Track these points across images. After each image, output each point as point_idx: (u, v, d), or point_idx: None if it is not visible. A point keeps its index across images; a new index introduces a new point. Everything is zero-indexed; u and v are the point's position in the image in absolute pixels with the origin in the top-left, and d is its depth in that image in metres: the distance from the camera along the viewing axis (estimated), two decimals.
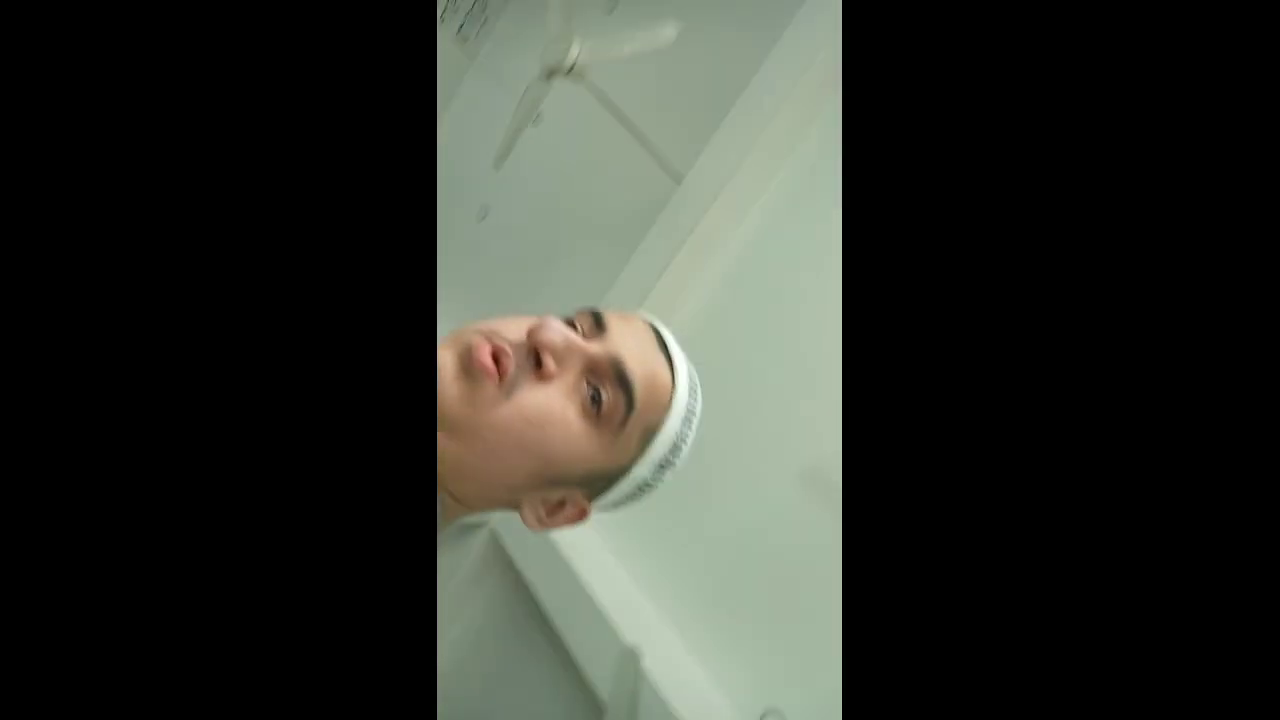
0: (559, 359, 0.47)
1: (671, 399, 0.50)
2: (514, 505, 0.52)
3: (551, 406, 0.47)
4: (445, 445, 0.45)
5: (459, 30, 2.36)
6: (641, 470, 0.52)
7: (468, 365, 0.45)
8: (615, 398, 0.48)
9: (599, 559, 1.46)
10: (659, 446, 0.51)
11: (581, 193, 1.87)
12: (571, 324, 0.50)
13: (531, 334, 0.47)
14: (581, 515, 0.54)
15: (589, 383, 0.48)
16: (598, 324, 0.50)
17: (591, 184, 1.84)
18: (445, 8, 2.35)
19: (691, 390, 0.52)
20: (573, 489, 0.52)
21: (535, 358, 0.47)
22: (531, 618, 1.44)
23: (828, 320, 1.45)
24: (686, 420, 0.52)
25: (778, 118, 1.63)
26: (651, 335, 0.52)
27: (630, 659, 1.01)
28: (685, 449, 0.53)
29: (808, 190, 1.63)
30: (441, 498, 0.50)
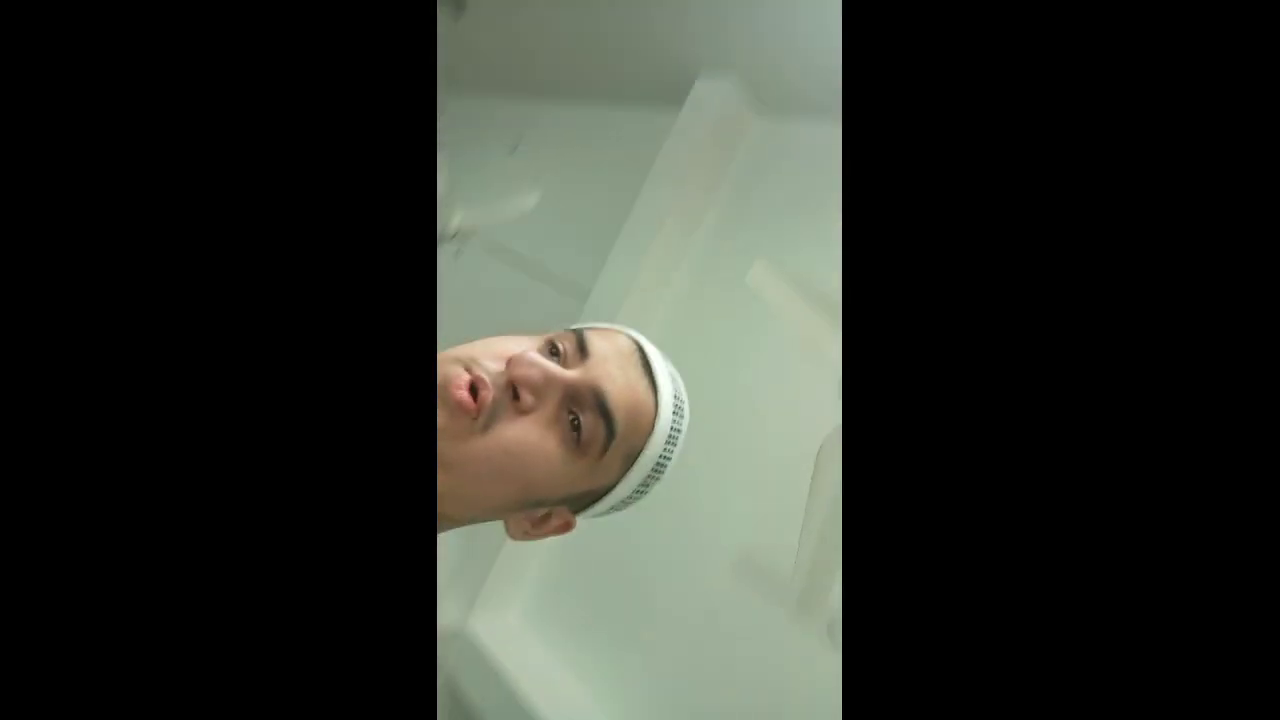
0: (537, 393, 0.48)
1: (654, 423, 0.51)
2: (499, 519, 0.55)
3: (529, 439, 0.47)
4: None
5: None
6: (624, 489, 0.53)
7: (444, 397, 0.46)
8: (595, 426, 0.48)
9: (547, 677, 1.51)
10: (640, 468, 0.52)
11: (503, 311, 1.99)
12: (554, 345, 0.51)
13: (509, 368, 0.47)
14: (567, 527, 0.57)
15: (570, 410, 0.48)
16: (581, 347, 0.50)
17: (510, 304, 1.96)
18: None
19: (676, 409, 0.53)
20: (556, 505, 0.54)
21: (514, 389, 0.47)
22: None
23: (746, 413, 1.54)
24: (670, 440, 0.52)
25: (665, 227, 1.75)
26: (635, 355, 0.52)
27: None
28: (669, 466, 0.54)
29: (709, 282, 1.74)
30: None
